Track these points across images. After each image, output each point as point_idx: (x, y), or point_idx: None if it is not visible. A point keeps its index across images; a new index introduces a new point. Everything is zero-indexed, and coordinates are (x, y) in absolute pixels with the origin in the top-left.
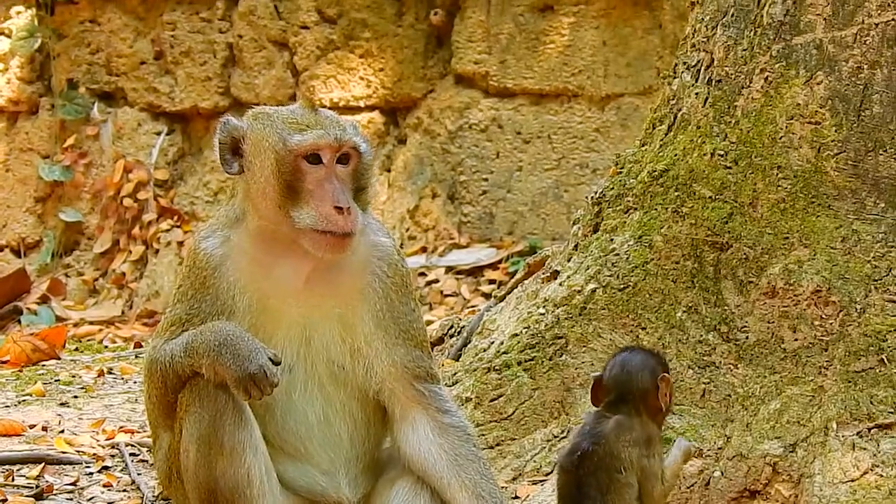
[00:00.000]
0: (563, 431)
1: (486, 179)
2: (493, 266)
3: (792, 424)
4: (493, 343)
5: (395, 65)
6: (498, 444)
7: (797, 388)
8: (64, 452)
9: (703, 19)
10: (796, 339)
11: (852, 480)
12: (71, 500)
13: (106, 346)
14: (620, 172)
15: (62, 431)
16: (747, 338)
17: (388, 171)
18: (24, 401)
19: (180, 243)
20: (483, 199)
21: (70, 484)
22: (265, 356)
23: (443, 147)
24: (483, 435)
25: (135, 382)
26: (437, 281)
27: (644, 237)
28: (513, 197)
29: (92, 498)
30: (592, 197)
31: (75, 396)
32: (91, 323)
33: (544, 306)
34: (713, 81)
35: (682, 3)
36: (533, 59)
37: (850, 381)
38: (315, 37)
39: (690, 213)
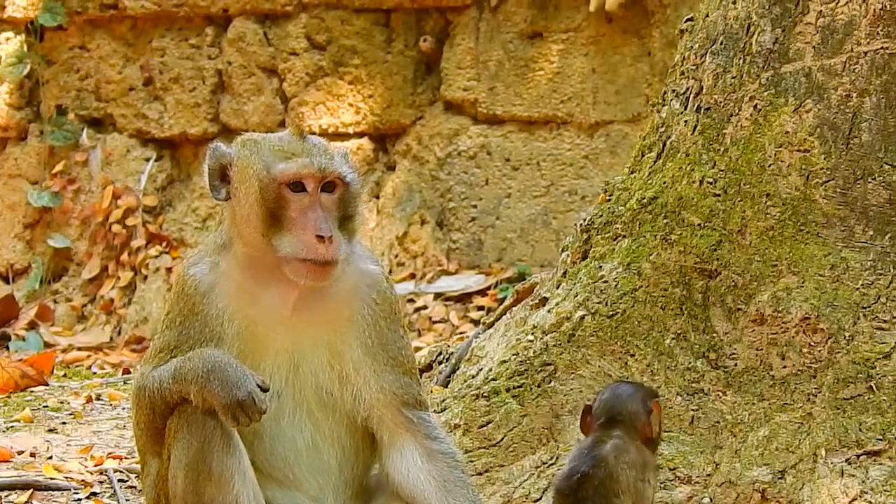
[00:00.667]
0: (551, 458)
1: (474, 206)
2: (482, 293)
3: (781, 451)
4: (481, 370)
5: (384, 91)
6: (487, 471)
7: (786, 415)
8: (52, 479)
9: (692, 47)
10: (785, 367)
11: None
12: None
13: (94, 373)
14: (609, 199)
15: (50, 458)
16: (736, 365)
17: (377, 197)
18: (12, 427)
19: (169, 269)
20: (472, 226)
21: None
22: (253, 383)
23: (432, 174)
24: (472, 462)
25: (123, 408)
26: (425, 307)
27: (633, 264)
28: (502, 224)
29: None
30: (581, 224)
31: (63, 423)
32: (79, 349)
33: (533, 333)
34: (702, 109)
35: (670, 31)
36: (522, 87)
37: (838, 409)
38: (304, 63)
39: (679, 240)
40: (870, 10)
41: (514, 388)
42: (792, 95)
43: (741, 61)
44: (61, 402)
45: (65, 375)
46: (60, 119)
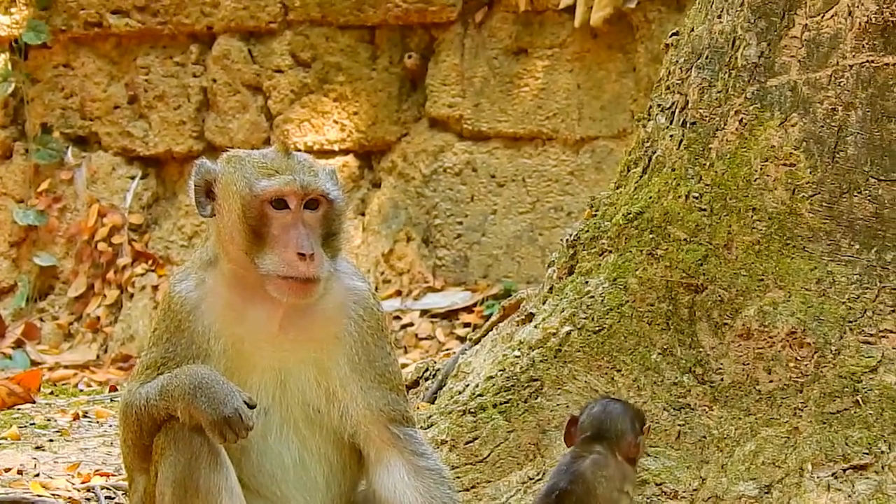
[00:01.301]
0: (538, 474)
1: (460, 223)
2: (468, 309)
3: (767, 466)
4: (468, 386)
5: (369, 108)
6: (473, 487)
7: (772, 430)
8: (40, 496)
9: (677, 61)
10: (771, 381)
11: None
12: None
13: (81, 390)
14: (595, 215)
15: (38, 475)
16: (722, 379)
17: (363, 214)
18: None
19: (155, 287)
20: (458, 243)
21: None
22: (240, 400)
23: (417, 191)
24: (458, 477)
25: (110, 426)
26: (411, 324)
27: (619, 279)
28: (487, 240)
29: None
30: (567, 239)
31: (51, 440)
32: (66, 367)
33: (519, 349)
34: (688, 123)
35: (655, 46)
36: (507, 103)
37: (825, 423)
38: (289, 81)
39: (665, 255)
40: (855, 23)
41: (500, 403)
42: (777, 109)
43: (727, 75)
44: (48, 420)
45: (52, 393)
46: (45, 137)
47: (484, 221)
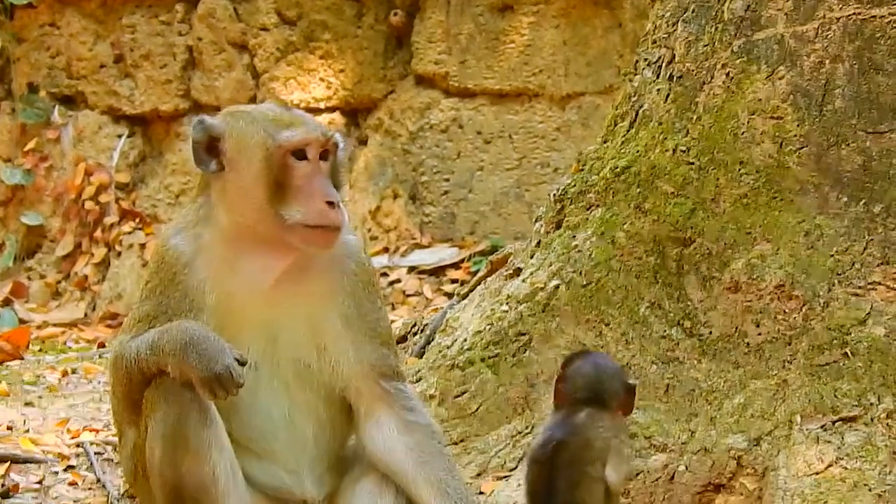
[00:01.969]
0: (527, 427)
1: (447, 180)
2: (456, 266)
3: (756, 418)
4: (456, 340)
5: (355, 66)
6: (462, 441)
7: (761, 383)
8: (29, 452)
9: (663, 15)
10: (760, 334)
11: (817, 473)
12: (37, 498)
13: (70, 347)
14: (583, 169)
15: (27, 431)
16: (711, 333)
17: (350, 172)
18: None
19: (142, 246)
20: (444, 200)
21: (36, 483)
22: (231, 357)
23: (404, 148)
24: (447, 432)
25: (99, 382)
26: (399, 281)
27: (606, 233)
28: (474, 197)
29: (57, 496)
30: (555, 194)
31: (40, 396)
32: (54, 325)
33: (507, 303)
34: (674, 78)
35: (642, 2)
36: (493, 59)
37: (813, 375)
38: (275, 38)
39: (653, 209)
40: None
41: (488, 358)
42: (764, 63)
43: (713, 29)
44: (37, 377)
45: (40, 350)
46: (32, 97)
47: (471, 178)
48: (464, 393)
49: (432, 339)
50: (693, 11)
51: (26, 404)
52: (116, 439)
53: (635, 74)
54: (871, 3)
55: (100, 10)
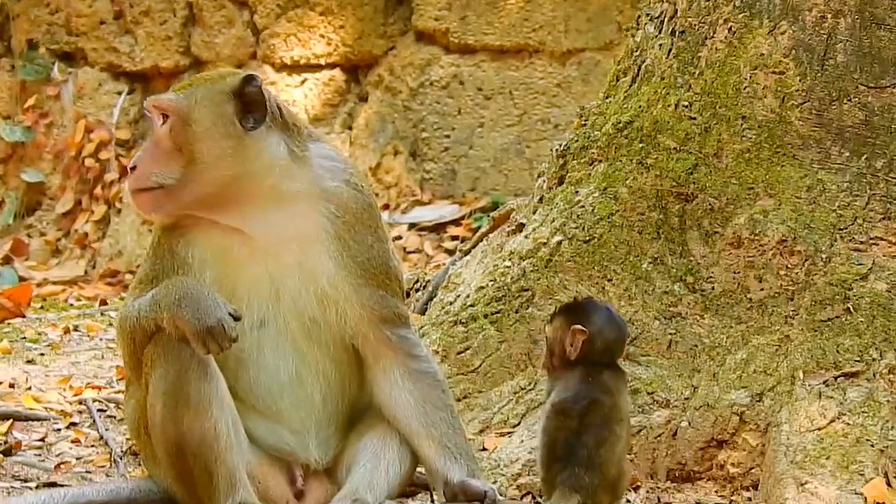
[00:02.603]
0: (529, 384)
1: (447, 136)
2: (456, 222)
3: (758, 374)
4: (458, 296)
5: (355, 22)
6: (465, 397)
7: (763, 338)
8: (31, 409)
9: None
10: (762, 289)
11: (819, 429)
12: (39, 455)
13: (71, 304)
14: (585, 125)
15: (29, 388)
16: (713, 288)
17: (350, 128)
18: None
19: None
20: (445, 156)
21: (38, 440)
22: (224, 311)
23: (404, 104)
24: (450, 388)
25: (101, 339)
26: (400, 238)
27: (609, 189)
28: (475, 153)
29: (60, 453)
30: (557, 149)
31: (42, 354)
32: (54, 283)
33: (510, 259)
34: (677, 32)
35: None
36: (493, 15)
37: (815, 331)
38: None
39: (655, 164)
40: None
41: (491, 314)
42: (766, 17)
43: None
44: (39, 334)
45: (42, 307)
46: (32, 53)
47: (471, 134)
48: (467, 349)
49: (435, 296)
50: None
51: (28, 362)
52: (119, 396)
53: (637, 29)
54: None
55: None
